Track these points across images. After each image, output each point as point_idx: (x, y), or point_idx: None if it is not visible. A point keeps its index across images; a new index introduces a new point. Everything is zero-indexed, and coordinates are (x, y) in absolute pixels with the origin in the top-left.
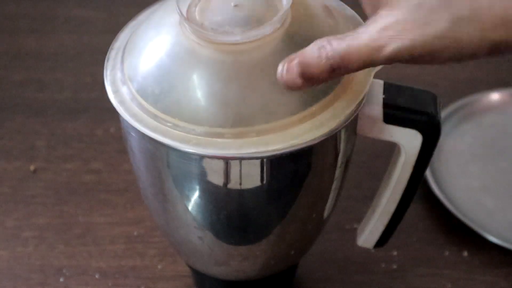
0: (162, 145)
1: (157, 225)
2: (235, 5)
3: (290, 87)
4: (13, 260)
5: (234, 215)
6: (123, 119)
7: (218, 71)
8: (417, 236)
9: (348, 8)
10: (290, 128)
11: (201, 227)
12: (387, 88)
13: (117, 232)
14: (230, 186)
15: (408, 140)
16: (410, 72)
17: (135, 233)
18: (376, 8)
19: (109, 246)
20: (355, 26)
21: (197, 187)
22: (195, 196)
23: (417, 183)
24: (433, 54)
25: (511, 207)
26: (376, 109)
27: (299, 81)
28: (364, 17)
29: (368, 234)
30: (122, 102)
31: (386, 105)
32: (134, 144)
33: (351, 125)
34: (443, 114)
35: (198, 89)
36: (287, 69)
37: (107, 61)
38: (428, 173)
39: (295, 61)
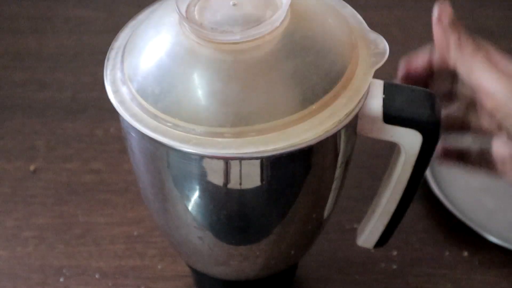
0: (162, 145)
1: (157, 225)
2: (234, 4)
3: None
4: (13, 260)
5: (234, 215)
6: (123, 119)
7: (218, 71)
8: (417, 236)
9: (349, 6)
10: (290, 127)
11: (201, 227)
12: (387, 87)
13: (117, 232)
14: (229, 185)
15: (408, 140)
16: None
17: (135, 233)
18: None
19: (109, 246)
20: (355, 25)
21: (197, 187)
22: (195, 196)
23: (417, 183)
24: None
25: (511, 207)
26: (376, 108)
27: None
28: (366, 17)
29: (368, 234)
30: (122, 102)
31: (386, 104)
32: (134, 144)
33: (351, 124)
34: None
35: (197, 89)
36: None
37: (107, 60)
38: (428, 173)
39: None
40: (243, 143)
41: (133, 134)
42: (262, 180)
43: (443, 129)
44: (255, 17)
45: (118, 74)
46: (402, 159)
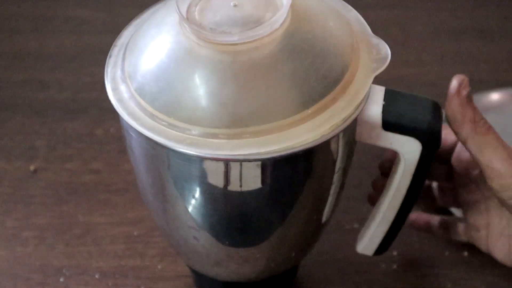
0: (159, 145)
1: (156, 225)
2: (235, 5)
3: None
4: (13, 260)
5: (230, 216)
6: (121, 117)
7: (216, 71)
8: (417, 236)
9: (353, 9)
10: (286, 129)
11: (198, 228)
12: (388, 94)
13: (117, 232)
14: (225, 187)
15: (408, 148)
16: (410, 72)
17: (135, 233)
18: None
19: (109, 246)
20: (358, 29)
21: (193, 187)
22: (192, 196)
23: (417, 191)
24: None
25: None
26: (376, 115)
27: None
28: (366, 17)
29: (368, 241)
30: (120, 100)
31: (385, 111)
32: (132, 143)
33: (349, 129)
34: (443, 114)
35: (195, 89)
36: None
37: (109, 58)
38: None
39: None
40: (238, 144)
41: (131, 133)
42: (257, 182)
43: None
44: (255, 18)
45: (118, 72)
46: (401, 167)
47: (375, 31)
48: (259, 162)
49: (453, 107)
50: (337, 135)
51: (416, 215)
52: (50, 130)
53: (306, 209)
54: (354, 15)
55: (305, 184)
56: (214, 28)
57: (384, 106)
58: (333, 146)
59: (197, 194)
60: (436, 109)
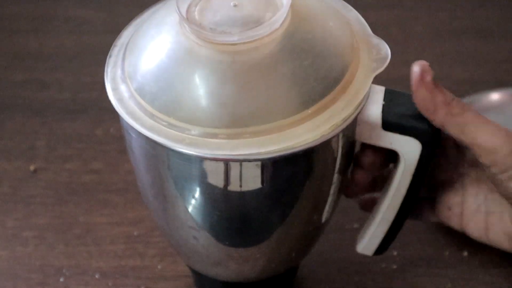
0: (158, 144)
1: (156, 225)
2: (235, 5)
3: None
4: (13, 260)
5: (230, 216)
6: (121, 117)
7: (216, 71)
8: (417, 236)
9: (353, 9)
10: (286, 129)
11: (198, 228)
12: (388, 94)
13: (117, 232)
14: (223, 187)
15: (407, 148)
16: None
17: (135, 233)
18: None
19: (109, 246)
20: (358, 29)
21: (193, 187)
22: (191, 196)
23: (416, 191)
24: None
25: None
26: (375, 115)
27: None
28: (366, 17)
29: (368, 241)
30: (120, 100)
31: (385, 111)
32: (132, 142)
33: (349, 129)
34: None
35: (194, 89)
36: None
37: (109, 57)
38: None
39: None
40: (238, 144)
41: (131, 133)
42: (257, 182)
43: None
44: (255, 18)
45: (118, 72)
46: (401, 167)
47: (375, 31)
48: (259, 162)
49: (421, 95)
50: (337, 135)
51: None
52: (50, 130)
53: (306, 209)
54: (354, 15)
55: (305, 184)
56: (214, 28)
57: (384, 106)
58: (333, 146)
59: (197, 194)
60: None
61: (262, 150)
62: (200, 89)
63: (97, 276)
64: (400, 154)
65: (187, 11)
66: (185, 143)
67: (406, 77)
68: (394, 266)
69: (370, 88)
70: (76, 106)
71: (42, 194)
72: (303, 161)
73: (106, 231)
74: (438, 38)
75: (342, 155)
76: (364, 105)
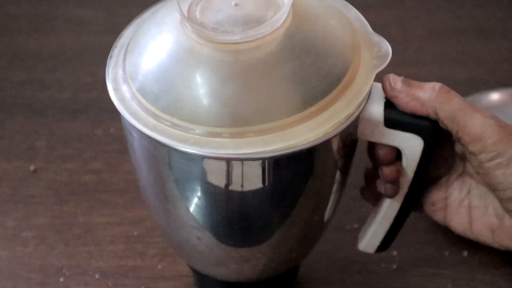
0: (161, 144)
1: (157, 225)
2: (236, 4)
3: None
4: (13, 260)
5: (232, 216)
6: (123, 117)
7: (218, 70)
8: (417, 236)
9: (353, 8)
10: (289, 128)
11: (200, 228)
12: None
13: (117, 232)
14: (227, 186)
15: (409, 145)
16: (410, 72)
17: (135, 233)
18: None
19: (109, 246)
20: (359, 27)
21: (196, 187)
22: (194, 196)
23: (418, 187)
24: None
25: None
26: (377, 112)
27: None
28: (366, 17)
29: (369, 239)
30: (122, 100)
31: (387, 109)
32: (134, 143)
33: (351, 127)
34: None
35: (197, 88)
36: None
37: (110, 58)
38: None
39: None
40: (241, 143)
41: (133, 133)
42: (260, 181)
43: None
44: (257, 17)
45: (120, 72)
46: (403, 164)
47: (375, 31)
48: (262, 161)
49: (404, 100)
50: (340, 133)
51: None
52: (50, 130)
53: (308, 207)
54: (354, 14)
55: (307, 183)
56: (216, 27)
57: (385, 103)
58: (335, 144)
59: (200, 194)
60: None
61: (266, 148)
62: (202, 88)
63: (97, 276)
64: (402, 151)
65: (188, 10)
66: (190, 143)
67: (406, 76)
68: (394, 266)
69: (372, 86)
70: (76, 106)
71: (42, 194)
72: (305, 160)
73: (106, 231)
74: (438, 38)
75: (345, 153)
76: (366, 103)
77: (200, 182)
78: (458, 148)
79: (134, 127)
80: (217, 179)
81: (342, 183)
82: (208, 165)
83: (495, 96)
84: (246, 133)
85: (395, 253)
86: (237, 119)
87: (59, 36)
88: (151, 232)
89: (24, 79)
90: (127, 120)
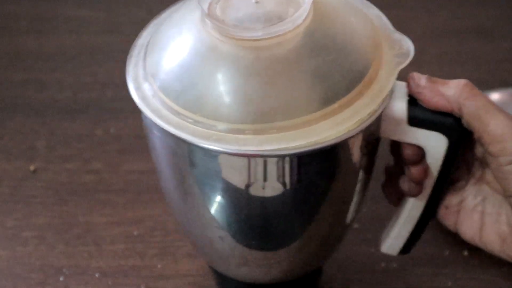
0: (184, 142)
1: (178, 224)
2: (257, 2)
3: None
4: (13, 260)
5: (255, 215)
6: (145, 116)
7: (239, 67)
8: None
9: (374, 6)
10: (311, 125)
11: (221, 227)
12: None
13: (117, 232)
14: (250, 184)
15: (434, 144)
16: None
17: (135, 233)
18: None
19: (109, 246)
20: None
21: (218, 185)
22: (216, 194)
23: (441, 188)
24: None
25: None
26: (400, 110)
27: None
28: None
29: (393, 241)
30: (143, 99)
31: (411, 106)
32: (155, 141)
33: (374, 125)
34: None
35: (219, 85)
36: None
37: (130, 58)
38: None
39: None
40: (264, 140)
41: (155, 131)
42: (282, 178)
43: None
44: (277, 14)
45: (140, 71)
46: (427, 163)
47: None
48: (285, 158)
49: (428, 96)
50: (363, 131)
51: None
52: (50, 130)
53: (332, 207)
54: (375, 12)
55: (330, 181)
56: (237, 24)
57: (409, 101)
58: (358, 142)
59: (222, 191)
60: None
61: (288, 145)
62: (224, 85)
63: (97, 276)
64: (426, 150)
65: (209, 8)
66: (212, 140)
67: (406, 77)
68: (395, 265)
69: (394, 83)
70: (76, 106)
71: (42, 194)
72: (328, 157)
73: (106, 231)
74: (438, 38)
75: (368, 151)
76: (389, 101)
77: (221, 180)
78: (478, 152)
79: (156, 125)
80: (240, 176)
81: (365, 183)
82: (230, 162)
83: (495, 96)
84: (268, 129)
85: None
86: (259, 116)
87: (59, 36)
88: (151, 232)
89: (24, 79)
90: (149, 118)
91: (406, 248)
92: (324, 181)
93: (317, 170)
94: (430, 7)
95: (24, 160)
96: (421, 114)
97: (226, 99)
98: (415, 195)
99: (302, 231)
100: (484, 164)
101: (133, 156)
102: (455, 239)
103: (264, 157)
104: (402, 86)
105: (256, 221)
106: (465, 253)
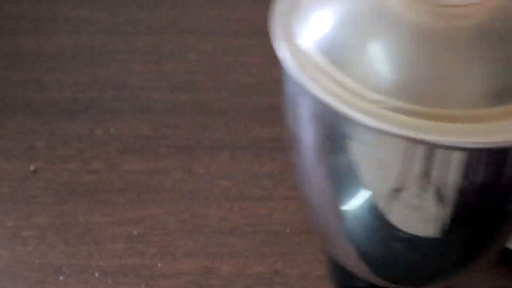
0: (343, 117)
1: (310, 217)
2: None
3: None
4: (12, 259)
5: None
6: (294, 84)
7: (426, 38)
8: None
9: None
10: (500, 120)
11: (372, 227)
12: None
13: (117, 232)
14: (427, 179)
15: None
16: None
17: (135, 233)
18: None
19: (109, 245)
20: None
21: (383, 174)
22: (377, 186)
23: None
24: None
25: None
26: None
27: None
28: None
29: None
30: (300, 66)
31: None
32: (303, 112)
33: None
34: None
35: (397, 58)
36: None
37: (274, 23)
38: None
39: None
40: (444, 129)
41: (307, 102)
42: (461, 177)
43: None
44: None
45: (293, 36)
46: None
47: None
48: (469, 153)
49: None
50: None
51: None
52: (50, 130)
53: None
54: None
55: None
56: None
57: None
58: None
59: (383, 182)
60: None
61: (487, 139)
62: (404, 58)
63: (96, 275)
64: None
65: None
66: (389, 122)
67: None
68: None
69: None
70: (76, 106)
71: (42, 194)
72: None
73: (106, 231)
74: None
75: None
76: None
77: (383, 167)
78: None
79: (310, 95)
80: (417, 166)
81: None
82: (404, 149)
83: None
84: (454, 117)
85: None
86: (444, 100)
87: (59, 36)
88: (151, 231)
89: (24, 79)
90: (303, 88)
91: None
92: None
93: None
94: None
95: (24, 160)
96: None
97: (405, 75)
98: None
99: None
100: None
101: (133, 156)
102: None
103: (444, 148)
104: None
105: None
106: None
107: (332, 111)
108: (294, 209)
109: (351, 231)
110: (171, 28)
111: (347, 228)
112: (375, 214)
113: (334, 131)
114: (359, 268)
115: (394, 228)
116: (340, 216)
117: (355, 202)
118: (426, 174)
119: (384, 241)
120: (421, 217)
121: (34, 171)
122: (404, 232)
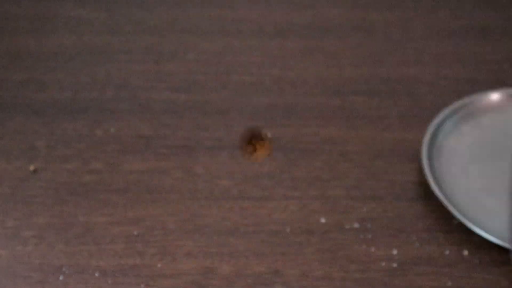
0: None
1: None
2: None
3: None
4: (12, 259)
5: None
6: None
7: None
8: (417, 235)
9: None
10: None
11: None
12: None
13: (117, 232)
14: None
15: None
16: (410, 72)
17: (135, 233)
18: None
19: (109, 245)
20: None
21: None
22: None
23: None
24: None
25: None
26: None
27: None
28: (366, 17)
29: None
30: None
31: None
32: None
33: None
34: (442, 114)
35: None
36: None
37: None
38: (428, 173)
39: None
40: None
41: None
42: None
43: None
44: None
45: None
46: None
47: (375, 31)
48: None
49: None
50: None
51: None
52: (50, 130)
53: None
54: None
55: None
56: None
57: None
58: None
59: None
60: None
61: None
62: None
63: (96, 275)
64: None
65: None
66: None
67: (406, 76)
68: (394, 265)
69: None
70: (76, 106)
71: (42, 194)
72: None
73: (106, 231)
74: (438, 38)
75: None
76: None
77: None
78: None
79: None
80: None
81: None
82: None
83: (495, 96)
84: None
85: (395, 252)
86: None
87: (59, 36)
88: (151, 231)
89: (24, 79)
90: None
91: None
92: None
93: None
94: (430, 7)
95: (24, 160)
96: None
97: None
98: None
99: None
100: None
101: (133, 156)
102: (455, 239)
103: None
104: None
105: None
106: (465, 253)
107: None
108: (294, 209)
109: None
110: (171, 28)
111: None
112: None
113: None
114: None
115: None
116: None
117: None
118: None
119: None
120: None
121: (34, 171)
122: None
